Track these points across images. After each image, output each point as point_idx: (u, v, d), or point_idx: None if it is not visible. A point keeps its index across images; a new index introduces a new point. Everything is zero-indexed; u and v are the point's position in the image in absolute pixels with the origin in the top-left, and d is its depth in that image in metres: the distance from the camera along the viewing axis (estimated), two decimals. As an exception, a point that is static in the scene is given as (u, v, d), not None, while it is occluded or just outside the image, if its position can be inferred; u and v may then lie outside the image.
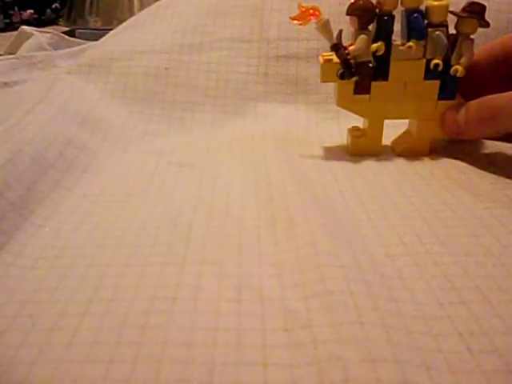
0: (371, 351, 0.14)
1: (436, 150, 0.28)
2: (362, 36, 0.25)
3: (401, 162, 0.27)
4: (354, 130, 0.29)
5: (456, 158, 0.27)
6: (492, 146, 0.28)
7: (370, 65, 0.26)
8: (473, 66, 0.26)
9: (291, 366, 0.14)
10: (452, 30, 0.26)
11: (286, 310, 0.16)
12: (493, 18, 0.25)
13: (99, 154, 0.30)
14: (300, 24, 0.25)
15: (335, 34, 0.25)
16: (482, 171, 0.25)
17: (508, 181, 0.24)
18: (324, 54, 0.27)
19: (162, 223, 0.22)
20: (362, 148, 0.28)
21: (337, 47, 0.25)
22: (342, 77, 0.26)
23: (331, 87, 0.29)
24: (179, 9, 0.41)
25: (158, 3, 0.44)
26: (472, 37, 0.25)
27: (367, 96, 0.27)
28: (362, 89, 0.27)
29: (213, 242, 0.20)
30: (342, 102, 0.28)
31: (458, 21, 0.25)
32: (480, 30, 0.25)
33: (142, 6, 0.71)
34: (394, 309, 0.16)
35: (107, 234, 0.21)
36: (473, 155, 0.27)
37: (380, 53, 0.26)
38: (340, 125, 0.33)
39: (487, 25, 0.25)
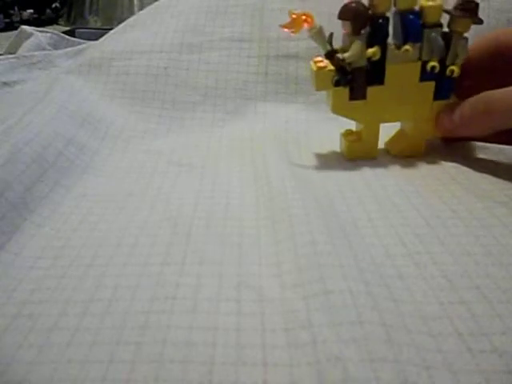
0: (371, 351, 0.14)
1: (435, 151, 0.28)
2: (357, 42, 0.25)
3: (400, 162, 0.27)
4: (348, 133, 0.28)
5: (456, 159, 0.27)
6: (492, 147, 0.28)
7: (365, 69, 0.25)
8: (466, 60, 0.25)
9: (291, 365, 0.14)
10: (445, 29, 0.25)
11: (286, 309, 0.16)
12: (493, 17, 0.25)
13: (99, 154, 0.30)
14: (292, 32, 0.24)
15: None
16: (482, 171, 0.25)
17: (508, 181, 0.24)
18: (315, 59, 0.26)
19: (162, 223, 0.22)
20: (358, 152, 0.28)
21: (331, 54, 0.25)
22: (337, 84, 0.25)
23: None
24: (179, 9, 0.41)
25: (157, 3, 0.44)
26: (466, 35, 0.25)
27: (363, 101, 0.26)
28: (357, 95, 0.26)
29: (213, 241, 0.20)
30: (338, 109, 0.27)
31: (451, 19, 0.25)
32: (479, 29, 0.25)
33: (142, 6, 0.72)
34: (393, 308, 0.16)
35: (107, 234, 0.21)
36: (473, 155, 0.27)
37: (375, 58, 0.25)
38: (340, 125, 0.32)
39: (480, 22, 0.25)
